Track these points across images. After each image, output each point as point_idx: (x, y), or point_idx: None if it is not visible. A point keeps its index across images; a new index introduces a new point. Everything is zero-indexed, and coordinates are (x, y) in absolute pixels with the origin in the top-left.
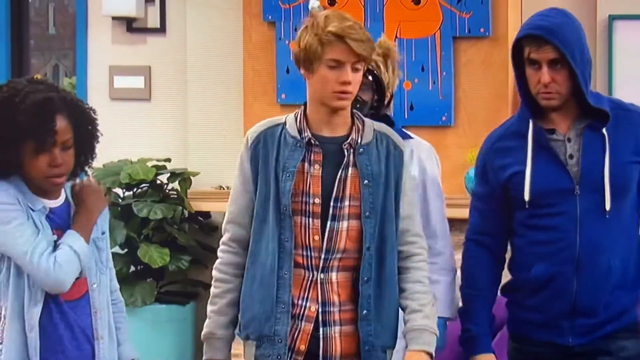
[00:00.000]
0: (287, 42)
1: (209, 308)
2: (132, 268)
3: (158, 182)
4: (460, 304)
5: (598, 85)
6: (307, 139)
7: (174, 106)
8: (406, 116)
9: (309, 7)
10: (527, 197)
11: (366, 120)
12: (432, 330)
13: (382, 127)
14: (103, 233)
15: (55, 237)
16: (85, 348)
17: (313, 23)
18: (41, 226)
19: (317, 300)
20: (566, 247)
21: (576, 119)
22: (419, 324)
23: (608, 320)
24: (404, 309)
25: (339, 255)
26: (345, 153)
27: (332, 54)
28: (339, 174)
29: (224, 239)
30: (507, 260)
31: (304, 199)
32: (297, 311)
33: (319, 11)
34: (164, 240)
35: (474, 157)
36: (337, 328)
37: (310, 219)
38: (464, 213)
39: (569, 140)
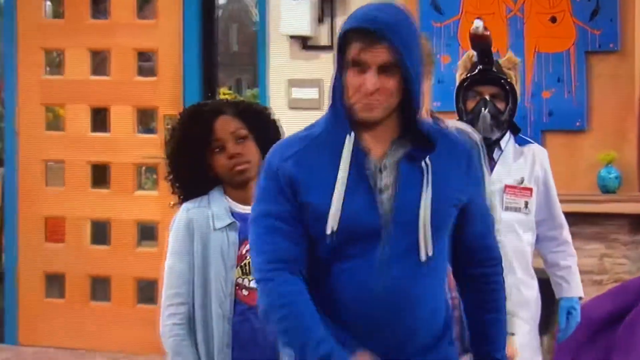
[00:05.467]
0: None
1: None
2: None
3: None
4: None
5: None
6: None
7: None
8: (545, 120)
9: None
10: (328, 230)
11: None
12: None
13: None
14: None
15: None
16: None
17: None
18: (223, 249)
19: None
20: (362, 298)
21: (394, 142)
22: None
23: None
24: None
25: None
26: None
27: None
28: None
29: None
30: None
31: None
32: None
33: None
34: None
35: (605, 157)
36: None
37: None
38: (596, 208)
39: (384, 167)
